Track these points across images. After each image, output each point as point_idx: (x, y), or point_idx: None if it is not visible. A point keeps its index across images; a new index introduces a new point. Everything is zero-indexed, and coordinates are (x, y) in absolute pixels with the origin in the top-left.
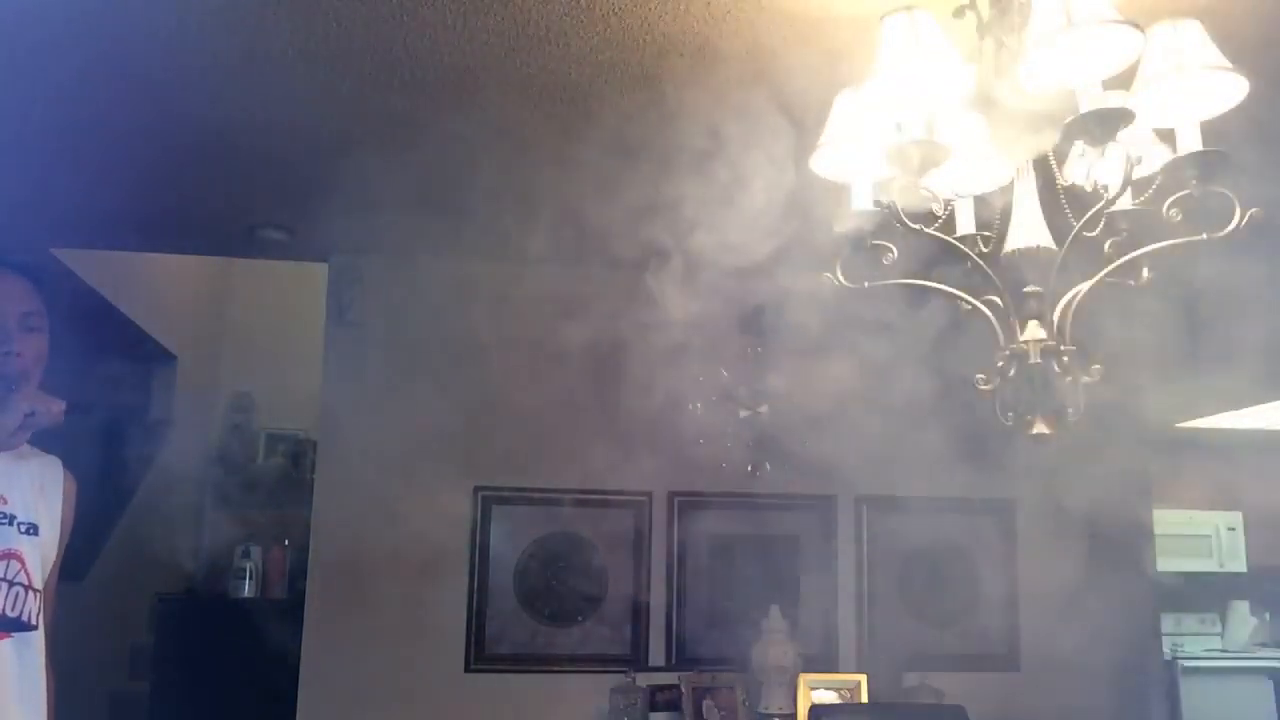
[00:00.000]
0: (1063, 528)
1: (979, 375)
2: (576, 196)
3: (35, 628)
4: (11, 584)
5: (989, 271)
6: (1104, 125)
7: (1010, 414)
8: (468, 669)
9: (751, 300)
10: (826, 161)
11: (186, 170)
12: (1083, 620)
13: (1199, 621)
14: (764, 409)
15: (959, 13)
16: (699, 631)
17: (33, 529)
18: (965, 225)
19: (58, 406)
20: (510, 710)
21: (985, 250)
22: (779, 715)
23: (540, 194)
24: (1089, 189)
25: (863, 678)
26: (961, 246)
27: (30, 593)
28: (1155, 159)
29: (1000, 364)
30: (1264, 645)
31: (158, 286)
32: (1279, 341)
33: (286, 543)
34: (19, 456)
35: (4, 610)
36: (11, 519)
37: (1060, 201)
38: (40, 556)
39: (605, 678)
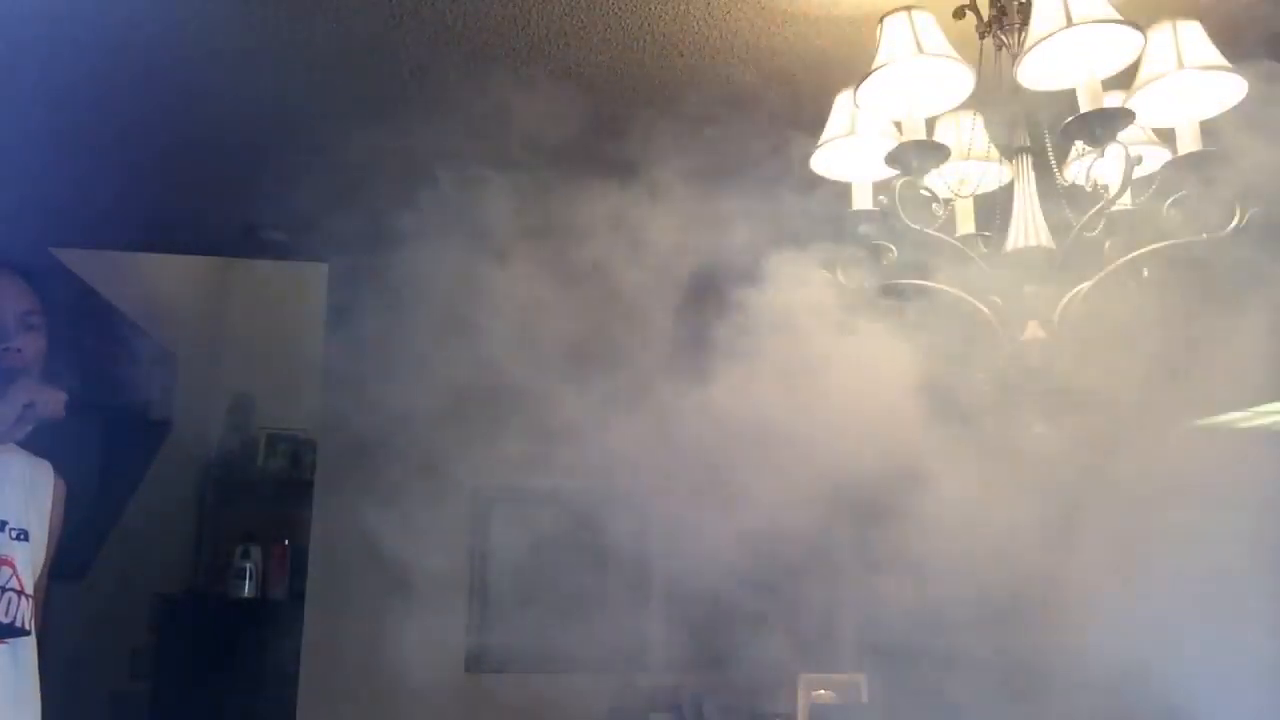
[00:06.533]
0: (1063, 527)
1: (979, 375)
2: (573, 196)
3: (29, 633)
4: (4, 590)
5: (989, 271)
6: (1104, 125)
7: (1010, 414)
8: (468, 669)
9: (753, 299)
10: (826, 161)
11: (186, 170)
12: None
13: None
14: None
15: (959, 13)
16: (699, 631)
17: (23, 534)
18: (965, 225)
19: (58, 397)
20: (510, 710)
21: (985, 250)
22: (779, 715)
23: (539, 194)
24: (1089, 189)
25: (862, 678)
26: (962, 246)
27: (22, 598)
28: (1155, 159)
29: (1000, 364)
30: None
31: (158, 286)
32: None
33: (287, 543)
34: (8, 461)
35: None
36: (3, 525)
37: (1060, 201)
38: (31, 561)
39: (605, 678)
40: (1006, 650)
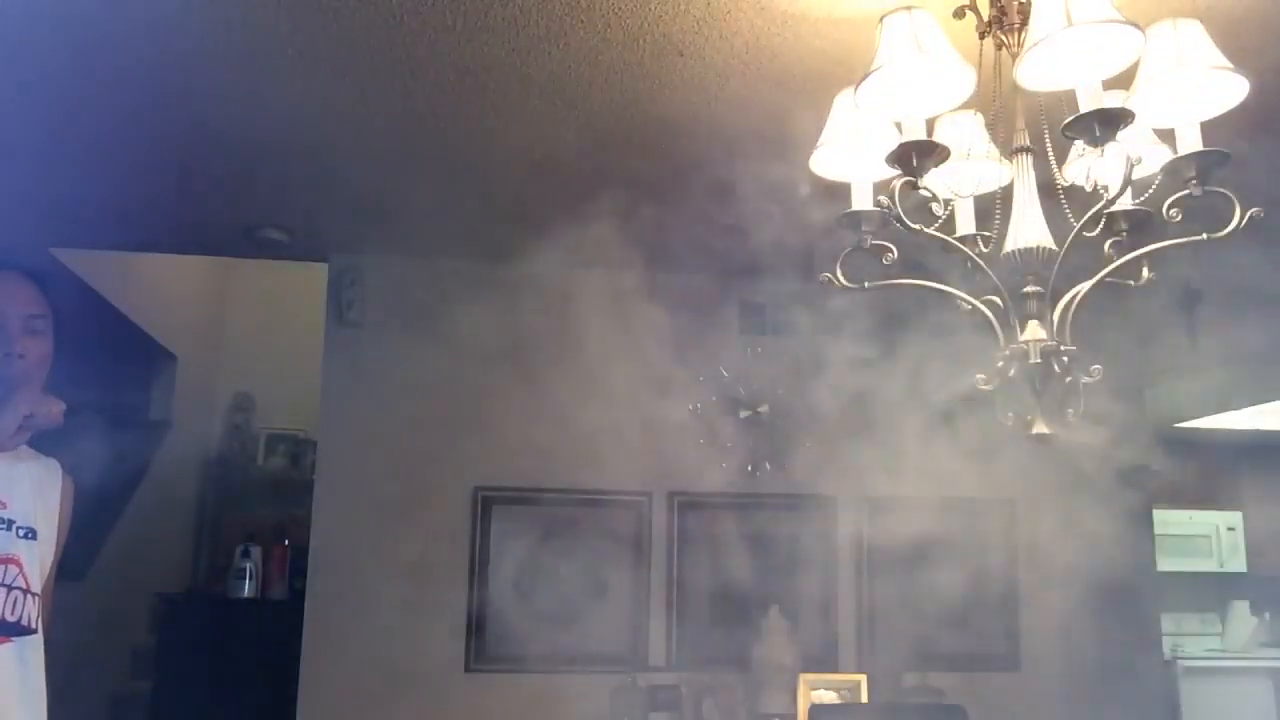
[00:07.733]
0: (1062, 528)
1: (979, 375)
2: (574, 196)
3: (35, 631)
4: (10, 589)
5: (989, 271)
6: (1104, 125)
7: (1010, 414)
8: (468, 669)
9: (752, 299)
10: (826, 161)
11: (186, 170)
12: (1082, 620)
13: (1199, 621)
14: (764, 409)
15: (959, 13)
16: (699, 631)
17: (31, 533)
18: (965, 225)
19: (57, 407)
20: (510, 710)
21: (985, 250)
22: (779, 715)
23: (538, 193)
24: (1089, 189)
25: (863, 678)
26: (961, 246)
27: (29, 596)
28: (1155, 159)
29: (1000, 364)
30: (1264, 645)
31: (158, 286)
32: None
33: (286, 543)
34: (17, 459)
35: (4, 615)
36: (10, 523)
37: (1060, 201)
38: (38, 560)
39: (605, 678)
40: None
